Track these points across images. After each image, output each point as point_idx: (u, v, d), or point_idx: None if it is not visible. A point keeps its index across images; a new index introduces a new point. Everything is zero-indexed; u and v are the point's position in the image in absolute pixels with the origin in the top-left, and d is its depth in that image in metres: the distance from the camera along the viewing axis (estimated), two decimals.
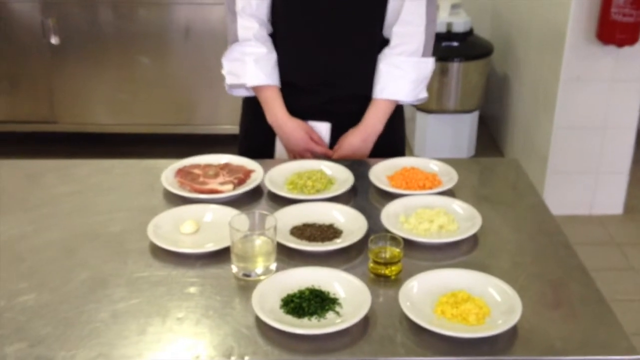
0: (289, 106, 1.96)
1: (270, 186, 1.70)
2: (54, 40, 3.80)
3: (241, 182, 1.73)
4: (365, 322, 1.25)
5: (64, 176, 1.83)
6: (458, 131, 4.03)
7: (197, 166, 1.80)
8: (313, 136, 1.96)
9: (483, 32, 4.17)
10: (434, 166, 1.83)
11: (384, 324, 1.26)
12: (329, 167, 1.81)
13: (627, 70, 3.27)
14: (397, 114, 2.02)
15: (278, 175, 1.77)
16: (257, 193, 1.72)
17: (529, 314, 1.26)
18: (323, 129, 1.99)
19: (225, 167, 1.79)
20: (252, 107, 2.03)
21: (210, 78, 3.88)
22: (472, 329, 1.23)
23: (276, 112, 1.95)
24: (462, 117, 3.99)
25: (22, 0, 3.76)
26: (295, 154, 1.98)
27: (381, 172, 1.79)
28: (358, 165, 1.83)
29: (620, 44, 3.13)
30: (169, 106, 4.00)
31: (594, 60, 3.25)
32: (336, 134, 1.99)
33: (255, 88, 1.96)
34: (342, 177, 1.76)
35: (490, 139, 4.36)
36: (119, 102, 3.98)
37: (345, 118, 1.97)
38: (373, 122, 1.95)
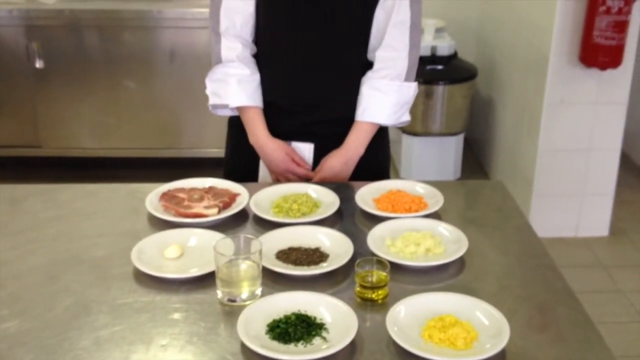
0: (273, 127, 1.96)
1: (256, 210, 1.69)
2: (39, 64, 3.79)
3: (226, 205, 1.72)
4: (352, 348, 1.23)
5: (47, 201, 1.81)
6: (443, 154, 4.04)
7: (182, 190, 1.78)
8: (294, 157, 1.96)
9: (467, 55, 4.20)
10: (420, 189, 1.83)
11: (371, 349, 1.24)
12: (314, 191, 1.81)
13: (611, 92, 3.29)
14: (381, 136, 2.03)
15: (263, 199, 1.76)
16: (242, 217, 1.71)
17: (516, 338, 1.26)
18: (306, 149, 1.99)
19: (210, 190, 1.78)
20: (237, 126, 2.03)
21: (195, 101, 3.88)
22: (460, 353, 1.22)
23: (257, 132, 1.95)
24: (447, 140, 4.01)
25: (6, 24, 3.76)
26: (277, 175, 1.98)
27: (367, 195, 1.78)
28: (344, 188, 1.82)
29: (603, 66, 3.16)
30: (154, 130, 3.99)
31: (578, 83, 3.28)
32: (319, 155, 1.99)
33: (238, 108, 1.96)
34: (328, 200, 1.76)
35: (476, 161, 4.38)
36: (104, 126, 3.97)
37: (328, 139, 1.98)
38: (354, 145, 1.95)
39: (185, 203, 1.71)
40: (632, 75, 3.27)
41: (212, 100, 1.99)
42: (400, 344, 1.21)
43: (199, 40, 3.78)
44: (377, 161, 2.05)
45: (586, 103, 3.32)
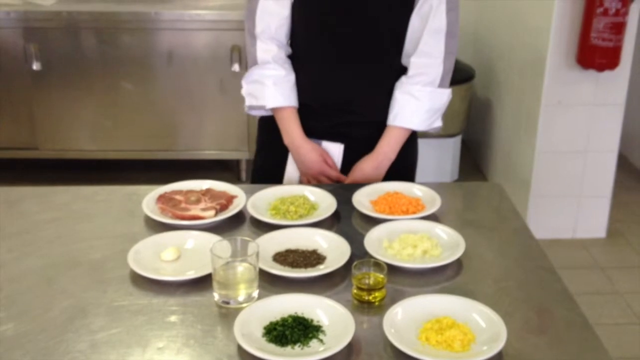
0: (304, 127, 1.97)
1: (253, 212, 1.69)
2: (36, 66, 3.79)
3: (223, 207, 1.72)
4: (349, 350, 1.23)
5: (44, 203, 1.81)
6: (441, 155, 4.04)
7: (179, 192, 1.78)
8: (327, 160, 1.97)
9: (465, 57, 4.20)
10: (418, 191, 1.83)
11: (368, 351, 1.24)
12: (312, 193, 1.80)
13: (608, 94, 3.30)
14: (410, 141, 2.02)
15: (261, 201, 1.76)
16: (239, 219, 1.71)
17: (514, 340, 1.26)
18: (336, 150, 2.00)
19: (207, 192, 1.78)
20: (268, 126, 2.04)
21: (193, 103, 3.88)
22: (458, 355, 1.22)
23: (293, 133, 1.96)
24: (445, 142, 4.01)
25: (3, 26, 3.75)
26: (309, 177, 1.98)
27: (364, 197, 1.78)
28: (341, 190, 1.82)
29: (600, 68, 3.16)
30: (152, 132, 3.99)
31: (575, 84, 3.28)
32: (348, 157, 2.00)
33: (273, 109, 1.97)
34: (325, 203, 1.75)
35: (473, 163, 4.38)
36: (101, 128, 3.97)
37: (358, 142, 1.98)
38: (385, 150, 1.96)
39: (182, 205, 1.71)
40: (629, 77, 3.27)
41: (249, 102, 2.00)
42: (397, 346, 1.21)
43: (197, 42, 3.78)
44: (405, 166, 2.05)
45: (583, 105, 3.32)
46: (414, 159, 2.12)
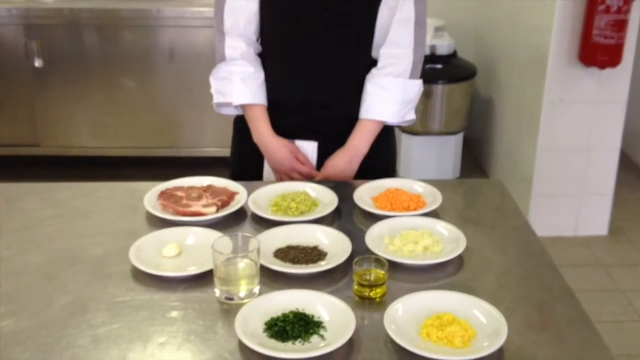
0: (277, 125, 1.95)
1: (254, 208, 1.69)
2: (38, 63, 3.79)
3: (225, 204, 1.72)
4: (350, 346, 1.23)
5: (45, 199, 1.81)
6: (443, 153, 4.04)
7: (180, 188, 1.78)
8: (298, 156, 1.95)
9: (466, 54, 4.19)
10: (419, 187, 1.83)
11: (368, 347, 1.24)
12: (313, 189, 1.80)
13: (610, 91, 3.29)
14: (386, 135, 2.02)
15: (262, 197, 1.76)
16: (240, 215, 1.71)
17: (514, 336, 1.25)
18: (309, 148, 1.99)
19: (209, 189, 1.78)
20: (242, 125, 2.02)
21: (195, 100, 3.88)
22: (458, 351, 1.22)
23: (261, 130, 1.95)
24: (446, 139, 4.01)
25: (5, 23, 3.75)
26: (281, 174, 1.97)
27: (365, 194, 1.78)
28: (342, 187, 1.82)
29: (602, 66, 3.15)
30: (153, 129, 3.99)
31: (577, 82, 3.27)
32: (323, 153, 1.98)
33: (242, 107, 1.96)
34: (326, 199, 1.75)
35: (475, 160, 4.38)
36: (103, 125, 3.97)
37: (332, 138, 1.97)
38: (358, 144, 1.94)
39: (184, 201, 1.71)
40: (631, 75, 3.27)
41: (216, 99, 1.98)
42: (398, 342, 1.21)
43: (199, 39, 3.78)
44: (383, 160, 2.04)
45: (585, 102, 3.32)
46: (392, 153, 2.11)
